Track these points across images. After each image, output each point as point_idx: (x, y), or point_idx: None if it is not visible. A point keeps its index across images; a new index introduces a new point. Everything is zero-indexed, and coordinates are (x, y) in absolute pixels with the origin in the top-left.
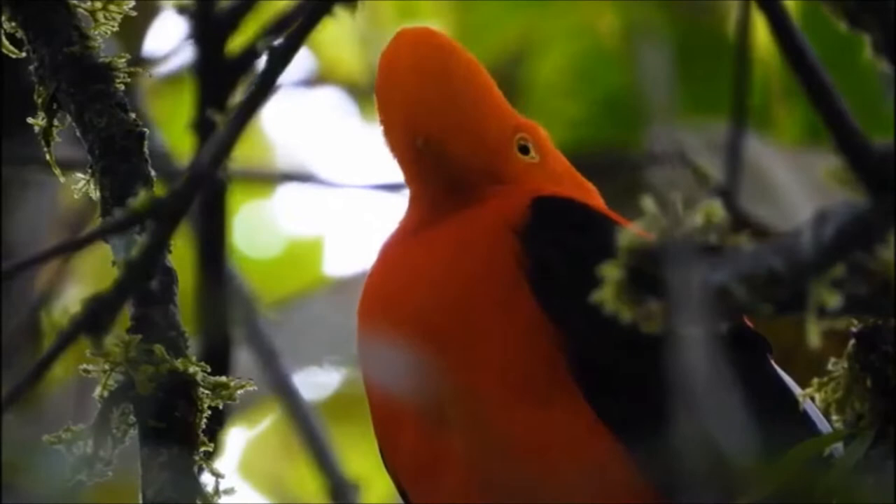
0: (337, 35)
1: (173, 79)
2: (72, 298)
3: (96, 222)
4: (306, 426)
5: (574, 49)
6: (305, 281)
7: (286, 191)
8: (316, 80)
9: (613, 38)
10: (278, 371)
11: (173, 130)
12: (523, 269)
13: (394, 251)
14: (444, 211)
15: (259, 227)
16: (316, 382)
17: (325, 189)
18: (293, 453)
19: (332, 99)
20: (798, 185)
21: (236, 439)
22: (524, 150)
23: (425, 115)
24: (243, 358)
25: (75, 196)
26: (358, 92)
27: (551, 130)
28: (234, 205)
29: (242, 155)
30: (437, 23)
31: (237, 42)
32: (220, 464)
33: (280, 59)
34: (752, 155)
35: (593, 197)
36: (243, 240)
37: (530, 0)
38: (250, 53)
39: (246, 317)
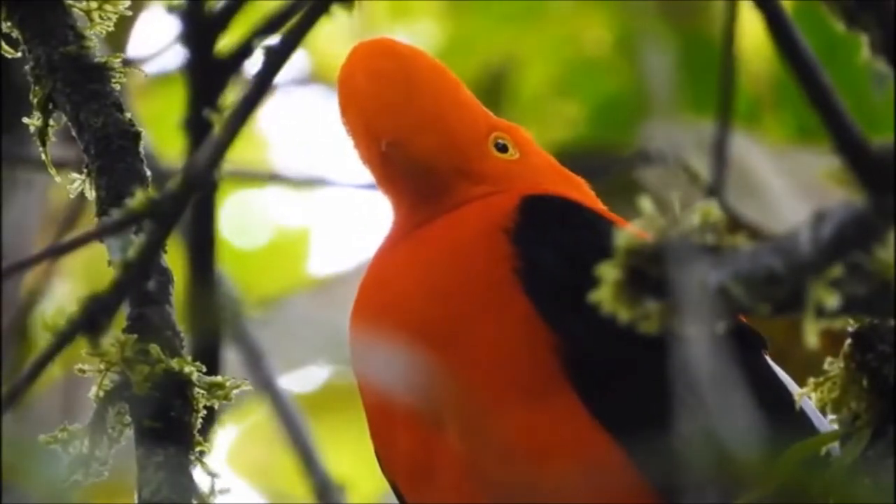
0: (331, 34)
1: (160, 78)
2: (58, 297)
3: (89, 222)
4: (292, 427)
5: (560, 59)
6: (290, 274)
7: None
8: (309, 78)
9: (600, 47)
10: (264, 371)
11: (159, 130)
12: (515, 269)
13: (385, 255)
14: (426, 214)
15: (247, 217)
16: (300, 378)
17: (317, 187)
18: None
19: (324, 98)
20: (784, 184)
21: (224, 432)
22: (502, 148)
23: (386, 118)
24: (230, 358)
25: (70, 196)
26: None
27: (540, 136)
28: (221, 195)
29: (234, 152)
30: (428, 24)
31: (227, 42)
32: (209, 455)
33: (277, 59)
34: (738, 153)
35: (581, 191)
36: (230, 230)
37: (518, 4)
38: (242, 53)
39: (233, 317)
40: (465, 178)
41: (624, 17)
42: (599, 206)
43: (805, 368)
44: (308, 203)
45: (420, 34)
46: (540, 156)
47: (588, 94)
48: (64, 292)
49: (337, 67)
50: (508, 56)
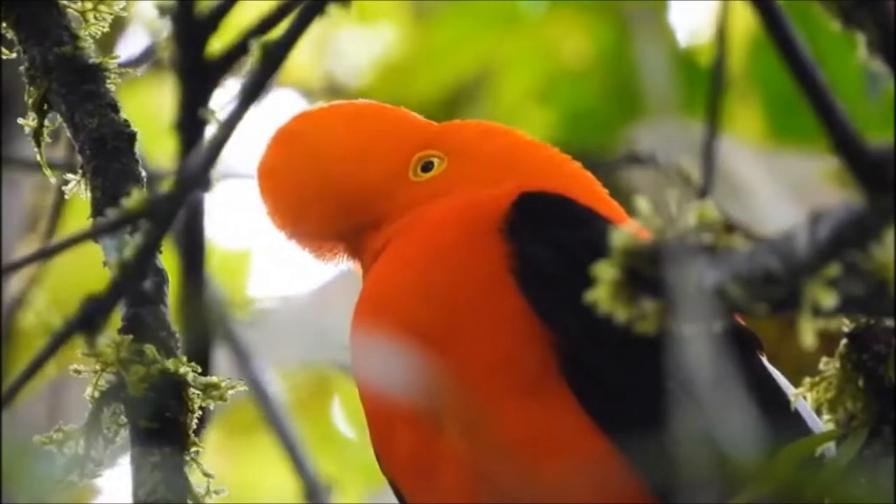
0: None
1: (138, 78)
2: (36, 303)
3: (71, 224)
4: (280, 428)
5: (537, 68)
6: (230, 296)
7: (221, 199)
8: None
9: (578, 56)
10: (252, 373)
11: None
12: (511, 268)
13: (383, 257)
14: (367, 259)
15: None
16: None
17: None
18: (239, 450)
19: (286, 101)
20: (764, 184)
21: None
22: (427, 167)
23: (280, 218)
24: (218, 360)
25: (66, 196)
26: (312, 94)
27: None
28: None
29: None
30: (394, 29)
31: (217, 43)
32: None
33: (272, 59)
34: (720, 155)
35: (558, 177)
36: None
37: (494, 12)
38: (234, 54)
39: (220, 318)
40: (373, 229)
41: (606, 23)
42: (597, 191)
43: (797, 369)
44: (252, 221)
45: (385, 39)
46: (476, 154)
47: (565, 102)
48: (39, 299)
49: (298, 72)
50: (484, 64)
